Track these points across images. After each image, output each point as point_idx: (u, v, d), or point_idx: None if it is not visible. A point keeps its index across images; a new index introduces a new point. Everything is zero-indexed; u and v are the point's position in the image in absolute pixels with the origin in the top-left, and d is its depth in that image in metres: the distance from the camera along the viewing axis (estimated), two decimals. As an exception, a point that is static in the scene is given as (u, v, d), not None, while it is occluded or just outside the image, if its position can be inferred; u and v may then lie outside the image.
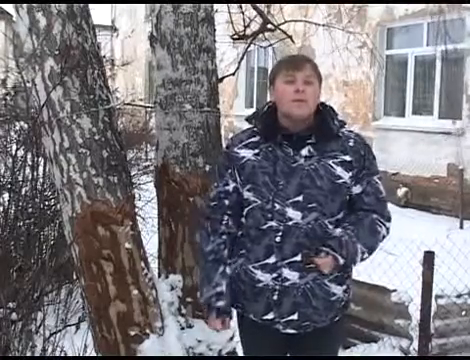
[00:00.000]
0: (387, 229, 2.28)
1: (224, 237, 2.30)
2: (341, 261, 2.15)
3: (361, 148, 2.24)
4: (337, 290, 2.25)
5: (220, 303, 2.27)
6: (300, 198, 2.17)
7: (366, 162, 2.24)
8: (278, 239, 2.18)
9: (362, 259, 2.22)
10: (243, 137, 2.30)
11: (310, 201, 2.17)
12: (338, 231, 2.18)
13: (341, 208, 2.23)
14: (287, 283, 2.19)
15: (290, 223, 2.17)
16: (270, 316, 2.25)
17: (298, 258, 2.17)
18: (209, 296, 2.28)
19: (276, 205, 2.18)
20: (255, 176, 2.21)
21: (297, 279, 2.19)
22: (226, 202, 2.30)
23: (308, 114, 2.19)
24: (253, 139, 2.27)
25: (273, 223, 2.19)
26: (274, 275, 2.20)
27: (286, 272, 2.19)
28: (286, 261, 2.18)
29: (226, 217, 2.31)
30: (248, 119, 2.34)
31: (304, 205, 2.17)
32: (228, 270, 2.30)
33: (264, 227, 2.20)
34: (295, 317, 2.22)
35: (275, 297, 2.21)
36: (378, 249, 2.31)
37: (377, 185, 2.26)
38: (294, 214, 2.17)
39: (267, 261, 2.21)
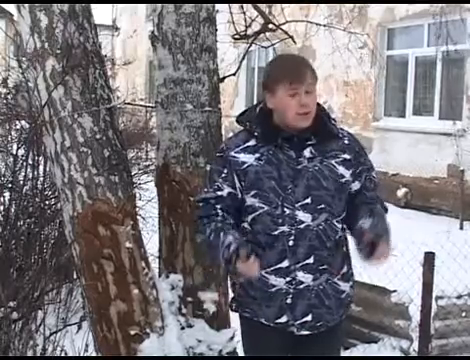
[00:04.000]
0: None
1: (220, 218, 2.18)
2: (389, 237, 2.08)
3: (355, 145, 2.27)
4: (345, 287, 2.27)
5: (233, 246, 2.04)
6: (308, 200, 2.16)
7: (361, 158, 2.27)
8: (291, 243, 2.16)
9: None
10: (238, 141, 2.24)
11: (319, 202, 2.16)
12: (368, 220, 2.11)
13: (345, 206, 2.24)
14: (301, 286, 2.18)
15: (302, 226, 2.15)
16: (283, 319, 2.22)
17: (311, 260, 2.16)
18: (223, 252, 2.07)
19: (286, 210, 2.15)
20: (260, 182, 2.16)
21: (311, 281, 2.18)
22: (218, 206, 2.21)
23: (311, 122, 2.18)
24: (250, 143, 2.21)
25: (285, 228, 2.16)
26: (288, 279, 2.18)
27: (300, 275, 2.18)
28: (300, 264, 2.17)
29: (220, 212, 2.20)
30: (239, 121, 2.30)
31: (313, 207, 2.16)
32: (233, 231, 2.13)
33: (276, 233, 2.16)
34: (309, 318, 2.21)
35: (289, 300, 2.19)
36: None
37: (375, 179, 2.30)
38: (304, 217, 2.15)
39: (280, 265, 2.18)
